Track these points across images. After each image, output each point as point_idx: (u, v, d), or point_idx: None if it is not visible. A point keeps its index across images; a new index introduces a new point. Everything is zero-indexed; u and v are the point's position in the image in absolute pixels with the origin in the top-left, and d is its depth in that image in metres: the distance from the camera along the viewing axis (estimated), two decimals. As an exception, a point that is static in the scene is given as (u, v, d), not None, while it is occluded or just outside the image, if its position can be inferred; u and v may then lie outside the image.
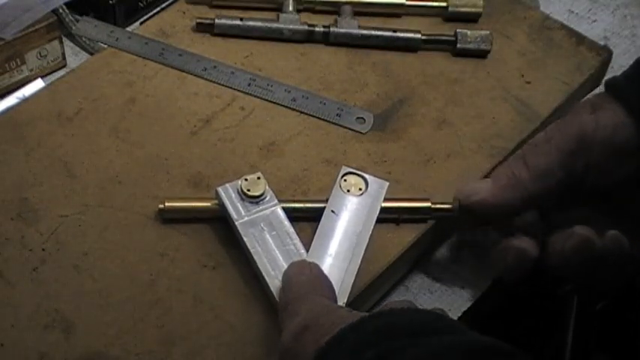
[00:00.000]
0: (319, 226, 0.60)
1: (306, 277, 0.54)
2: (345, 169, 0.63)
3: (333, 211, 0.61)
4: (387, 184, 0.63)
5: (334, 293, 0.54)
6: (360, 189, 0.62)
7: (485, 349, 0.42)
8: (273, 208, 0.60)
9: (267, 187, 0.60)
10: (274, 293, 0.56)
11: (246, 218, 0.59)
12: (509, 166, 0.60)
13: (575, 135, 0.59)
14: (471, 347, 0.42)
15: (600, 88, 0.72)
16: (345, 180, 0.62)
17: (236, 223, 0.59)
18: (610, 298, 0.72)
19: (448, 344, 0.42)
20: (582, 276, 0.60)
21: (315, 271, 0.55)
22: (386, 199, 0.62)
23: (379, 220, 0.61)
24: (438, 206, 0.62)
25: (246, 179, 0.60)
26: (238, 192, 0.60)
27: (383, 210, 0.61)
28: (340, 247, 0.59)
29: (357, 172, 0.63)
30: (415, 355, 0.42)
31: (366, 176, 0.63)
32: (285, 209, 0.60)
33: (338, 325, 0.47)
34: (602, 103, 0.60)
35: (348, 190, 0.62)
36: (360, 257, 0.59)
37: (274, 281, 0.56)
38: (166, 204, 0.60)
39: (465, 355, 0.41)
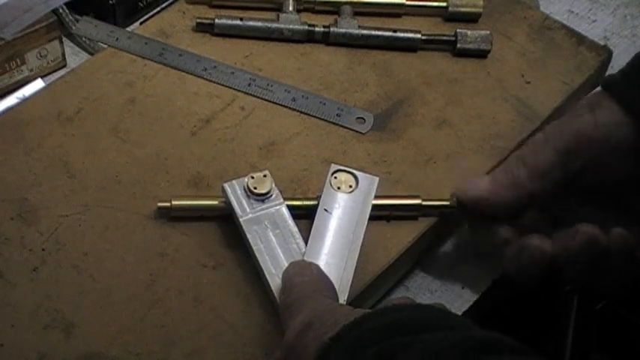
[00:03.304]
0: (313, 226, 0.60)
1: (308, 278, 0.54)
2: (334, 167, 0.62)
3: (326, 210, 0.60)
4: (377, 179, 0.62)
5: (335, 293, 0.55)
6: (351, 186, 0.62)
7: (490, 345, 0.41)
8: (278, 207, 0.60)
9: (273, 186, 0.60)
10: (275, 292, 0.56)
11: (250, 215, 0.59)
12: (508, 165, 0.60)
13: (573, 134, 0.59)
14: (475, 343, 0.41)
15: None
16: (335, 177, 0.62)
17: (240, 219, 0.59)
18: (610, 298, 0.72)
19: (452, 340, 0.42)
20: (586, 274, 0.59)
21: (316, 271, 0.55)
22: (377, 197, 0.62)
23: (372, 218, 0.61)
24: (429, 203, 0.62)
25: (252, 177, 0.60)
26: (244, 189, 0.60)
27: (374, 207, 0.61)
28: (335, 245, 0.59)
29: (347, 169, 0.62)
30: (419, 351, 0.42)
31: (356, 173, 0.62)
32: (288, 207, 0.60)
33: (341, 322, 0.47)
34: (599, 102, 0.60)
35: (339, 188, 0.62)
36: (357, 254, 0.59)
37: (275, 280, 0.56)
38: (173, 202, 0.60)
39: (470, 350, 0.41)
